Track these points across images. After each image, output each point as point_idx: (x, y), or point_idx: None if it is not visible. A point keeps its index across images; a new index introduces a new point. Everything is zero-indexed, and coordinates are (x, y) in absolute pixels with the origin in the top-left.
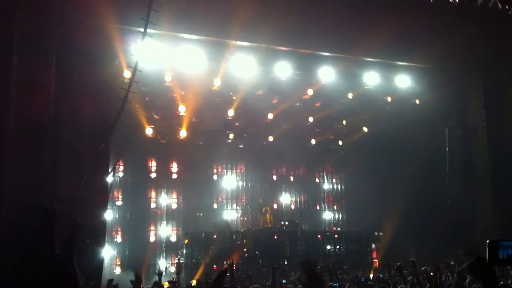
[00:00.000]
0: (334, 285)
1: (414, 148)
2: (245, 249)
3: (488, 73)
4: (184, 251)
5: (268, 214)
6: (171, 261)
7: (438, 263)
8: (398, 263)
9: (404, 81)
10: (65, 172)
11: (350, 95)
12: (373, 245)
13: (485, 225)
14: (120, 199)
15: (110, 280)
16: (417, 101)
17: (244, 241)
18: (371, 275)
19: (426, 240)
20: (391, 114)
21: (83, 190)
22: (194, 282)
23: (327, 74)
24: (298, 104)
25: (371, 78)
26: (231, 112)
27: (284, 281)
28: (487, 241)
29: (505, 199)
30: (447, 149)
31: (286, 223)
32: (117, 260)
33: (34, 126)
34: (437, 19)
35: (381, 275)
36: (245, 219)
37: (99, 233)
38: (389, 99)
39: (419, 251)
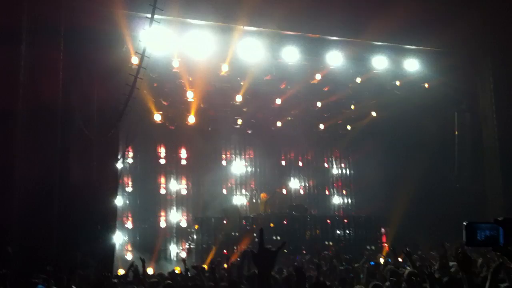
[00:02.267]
0: (345, 267)
1: (423, 132)
2: (254, 234)
3: (498, 57)
4: (195, 237)
5: (264, 202)
6: (182, 246)
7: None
8: (406, 249)
9: (413, 65)
10: (75, 158)
11: (358, 80)
12: (383, 230)
13: (495, 210)
14: (130, 185)
15: (131, 264)
16: (426, 85)
17: (254, 226)
18: (382, 260)
19: (435, 226)
20: (400, 98)
21: (93, 176)
22: (205, 267)
23: (335, 59)
24: (306, 89)
25: (380, 62)
26: (239, 98)
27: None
28: (464, 223)
29: None
30: (456, 133)
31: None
32: (128, 246)
33: (44, 112)
34: (447, 2)
35: (389, 260)
36: (255, 204)
37: (110, 219)
38: (398, 83)
39: (428, 237)
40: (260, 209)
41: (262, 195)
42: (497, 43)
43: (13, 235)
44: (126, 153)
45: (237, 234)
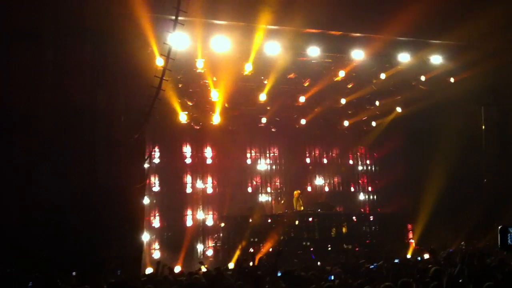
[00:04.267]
0: (371, 267)
1: (449, 128)
2: (280, 232)
3: None
4: (221, 235)
5: (297, 199)
6: (208, 244)
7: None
8: (431, 247)
9: (438, 60)
10: (103, 159)
11: (382, 76)
12: (409, 227)
13: None
14: (156, 185)
15: (158, 262)
16: (452, 80)
17: (279, 224)
18: (408, 256)
19: (462, 222)
20: (425, 93)
21: (121, 177)
22: (232, 265)
23: (359, 55)
24: (329, 86)
25: (404, 58)
26: (263, 97)
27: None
28: (499, 227)
29: None
30: (483, 127)
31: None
32: (156, 245)
33: (71, 114)
34: None
35: (419, 258)
36: (280, 202)
37: (138, 219)
38: (422, 78)
39: (456, 233)
40: (294, 206)
41: (296, 192)
42: None
43: (42, 238)
44: (153, 153)
45: (262, 232)
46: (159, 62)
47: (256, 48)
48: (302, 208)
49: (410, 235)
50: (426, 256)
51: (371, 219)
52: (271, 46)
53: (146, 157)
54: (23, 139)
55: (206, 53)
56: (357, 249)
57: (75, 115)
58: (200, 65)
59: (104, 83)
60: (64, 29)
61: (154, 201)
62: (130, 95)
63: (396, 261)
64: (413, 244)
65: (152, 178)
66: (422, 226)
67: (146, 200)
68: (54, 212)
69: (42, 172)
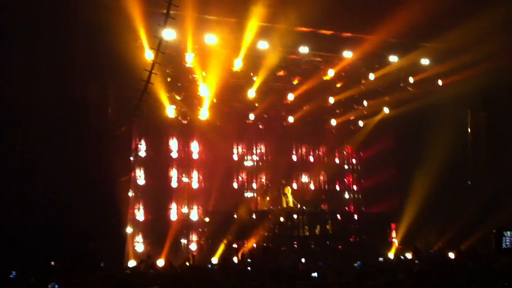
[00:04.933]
0: (355, 265)
1: (437, 130)
2: (265, 229)
3: None
4: (206, 230)
5: (289, 195)
6: (192, 239)
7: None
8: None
9: (427, 62)
10: (89, 153)
11: (371, 76)
12: (393, 226)
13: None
14: (142, 178)
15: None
16: (440, 82)
17: (264, 220)
18: (391, 255)
19: (447, 224)
20: (413, 95)
21: (107, 170)
22: (215, 260)
23: (349, 55)
24: (318, 84)
25: (393, 59)
26: (251, 93)
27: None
28: (493, 231)
29: None
30: (469, 131)
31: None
32: (139, 238)
33: (59, 108)
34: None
35: (402, 257)
36: (266, 199)
37: (122, 212)
38: (411, 80)
39: (440, 234)
40: (287, 203)
41: (287, 189)
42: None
43: (34, 232)
44: (139, 146)
45: (247, 228)
46: (149, 55)
47: (246, 45)
48: (291, 204)
49: (394, 235)
50: (409, 255)
51: (356, 217)
52: (262, 43)
53: (132, 150)
54: (15, 134)
55: (196, 47)
56: (340, 247)
57: (63, 108)
58: (189, 59)
59: (94, 76)
60: (54, 21)
61: (139, 194)
62: (118, 87)
63: (381, 259)
64: (396, 244)
65: (138, 171)
66: (406, 226)
67: (130, 193)
68: (41, 205)
69: (31, 166)
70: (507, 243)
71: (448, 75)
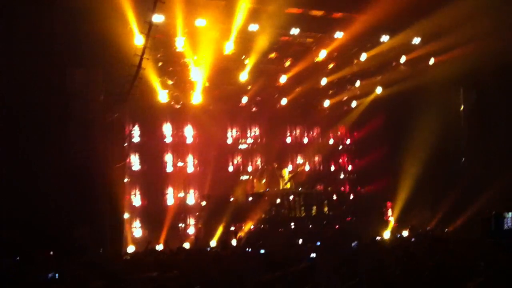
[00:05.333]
0: (352, 245)
1: (429, 109)
2: (261, 211)
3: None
4: (203, 214)
5: (286, 177)
6: (190, 223)
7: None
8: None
9: (418, 41)
10: (82, 140)
11: (363, 56)
12: (388, 205)
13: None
14: (136, 164)
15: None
16: (432, 61)
17: (261, 203)
18: (388, 234)
19: (440, 203)
20: (405, 74)
21: (101, 156)
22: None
23: (340, 35)
24: (311, 66)
25: (385, 38)
26: (244, 76)
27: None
28: (493, 213)
29: None
30: (461, 109)
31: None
32: (137, 223)
33: (48, 95)
34: None
35: (398, 235)
36: (262, 181)
37: (118, 198)
38: (403, 59)
39: (432, 213)
40: (282, 185)
41: (283, 171)
42: (502, 20)
43: (23, 218)
44: (132, 132)
45: (244, 211)
46: (139, 40)
47: (237, 28)
48: (288, 186)
49: (389, 214)
50: (405, 233)
51: (351, 197)
52: (253, 25)
53: (125, 136)
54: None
55: (187, 31)
56: (337, 226)
57: (52, 96)
58: (180, 43)
59: (82, 62)
60: (38, 8)
61: (134, 180)
62: (109, 73)
63: (378, 238)
64: (392, 222)
65: (132, 157)
66: (402, 205)
67: (126, 179)
68: (33, 193)
69: (19, 153)
70: (509, 224)
71: (440, 54)
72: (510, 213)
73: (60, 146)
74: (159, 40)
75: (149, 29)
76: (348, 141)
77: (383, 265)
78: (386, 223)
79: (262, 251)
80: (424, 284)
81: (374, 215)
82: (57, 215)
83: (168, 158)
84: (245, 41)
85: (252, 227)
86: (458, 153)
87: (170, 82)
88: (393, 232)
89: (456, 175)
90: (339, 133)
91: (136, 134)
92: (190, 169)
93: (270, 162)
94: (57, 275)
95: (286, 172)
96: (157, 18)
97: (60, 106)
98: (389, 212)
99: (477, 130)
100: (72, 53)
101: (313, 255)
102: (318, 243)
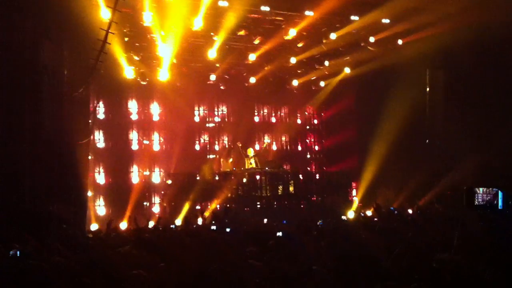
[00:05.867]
0: (318, 223)
1: (397, 90)
2: (228, 190)
3: (473, 16)
4: (168, 192)
5: (251, 157)
6: (155, 201)
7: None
8: (376, 203)
9: (387, 21)
10: (46, 116)
11: (333, 36)
12: (354, 185)
13: (465, 169)
14: (101, 141)
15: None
16: (400, 42)
17: (227, 182)
18: (352, 213)
19: (405, 183)
20: (373, 55)
21: (65, 133)
22: (179, 222)
23: (310, 14)
24: (280, 45)
25: (355, 18)
26: (212, 53)
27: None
28: (465, 188)
29: (486, 143)
30: (427, 90)
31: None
32: (101, 201)
33: (12, 72)
34: None
35: (362, 214)
36: (228, 161)
37: (82, 175)
38: (372, 39)
39: (398, 192)
40: (247, 165)
41: (249, 150)
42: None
43: None
44: (97, 108)
45: (210, 190)
46: (105, 14)
47: (206, 3)
48: (254, 165)
49: (354, 193)
50: (369, 213)
51: (317, 177)
52: (222, 2)
53: (90, 113)
54: None
55: (154, 6)
56: (303, 206)
57: (16, 72)
58: (147, 18)
59: (47, 37)
60: None
61: (98, 157)
62: (74, 48)
63: (344, 218)
64: (356, 202)
65: (96, 134)
66: (366, 185)
67: (89, 157)
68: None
69: None
70: (479, 200)
71: (408, 34)
72: (481, 189)
73: (33, 120)
74: (126, 14)
75: (115, 2)
76: (315, 121)
77: (349, 243)
78: (351, 202)
79: (228, 229)
80: (393, 262)
81: (340, 195)
82: (33, 190)
83: (134, 135)
84: (214, 18)
85: (218, 206)
86: (425, 134)
87: (136, 58)
88: (357, 212)
89: (422, 155)
90: (306, 113)
91: (101, 110)
92: (156, 147)
93: (236, 141)
94: (18, 252)
95: (251, 151)
96: None
97: (33, 79)
98: (353, 192)
99: (444, 111)
100: (43, 25)
101: (279, 233)
102: (284, 222)
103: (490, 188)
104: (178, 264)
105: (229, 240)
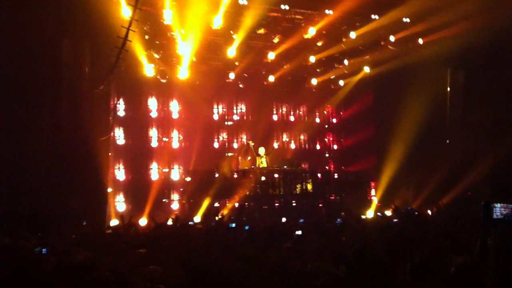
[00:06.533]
0: (337, 221)
1: (416, 89)
2: (246, 188)
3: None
4: (187, 189)
5: (263, 155)
6: (174, 198)
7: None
8: (395, 204)
9: (408, 20)
10: (67, 113)
11: (352, 35)
12: (372, 184)
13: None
14: (121, 138)
15: (122, 216)
16: (421, 41)
17: (246, 179)
18: (370, 213)
19: (425, 183)
20: (393, 54)
21: (86, 130)
22: (197, 219)
23: (330, 13)
24: (299, 43)
25: (375, 17)
26: (231, 52)
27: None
28: (482, 203)
29: (505, 144)
30: (448, 90)
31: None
32: (121, 197)
33: (34, 69)
34: None
35: (380, 214)
36: (247, 159)
37: (102, 172)
38: (392, 38)
39: (418, 193)
40: (258, 163)
41: (260, 149)
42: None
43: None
44: (118, 106)
45: (228, 187)
46: (126, 12)
47: (226, 2)
48: (264, 165)
49: (373, 193)
50: (388, 213)
51: (336, 176)
52: (241, 0)
53: (110, 110)
54: None
55: (175, 4)
56: (321, 205)
57: (38, 69)
58: (168, 16)
59: (68, 33)
60: None
61: (118, 154)
62: (95, 46)
63: (363, 217)
64: (375, 202)
65: (117, 131)
66: (385, 185)
67: (110, 153)
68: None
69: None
70: (497, 214)
71: (428, 34)
72: (498, 204)
73: (53, 117)
74: (147, 13)
75: (136, 0)
76: (334, 120)
77: (368, 243)
78: (369, 202)
79: (247, 227)
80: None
81: (358, 194)
82: (50, 186)
83: (153, 133)
84: (234, 16)
85: (236, 204)
86: (444, 134)
87: (156, 56)
88: (376, 212)
89: (441, 156)
90: (325, 112)
91: (121, 108)
92: (175, 144)
93: (253, 140)
94: (44, 250)
95: (262, 150)
96: None
97: (53, 77)
98: (372, 191)
99: (464, 111)
100: (64, 23)
101: (298, 232)
102: (301, 220)
103: (507, 204)
104: (192, 261)
105: (246, 238)
